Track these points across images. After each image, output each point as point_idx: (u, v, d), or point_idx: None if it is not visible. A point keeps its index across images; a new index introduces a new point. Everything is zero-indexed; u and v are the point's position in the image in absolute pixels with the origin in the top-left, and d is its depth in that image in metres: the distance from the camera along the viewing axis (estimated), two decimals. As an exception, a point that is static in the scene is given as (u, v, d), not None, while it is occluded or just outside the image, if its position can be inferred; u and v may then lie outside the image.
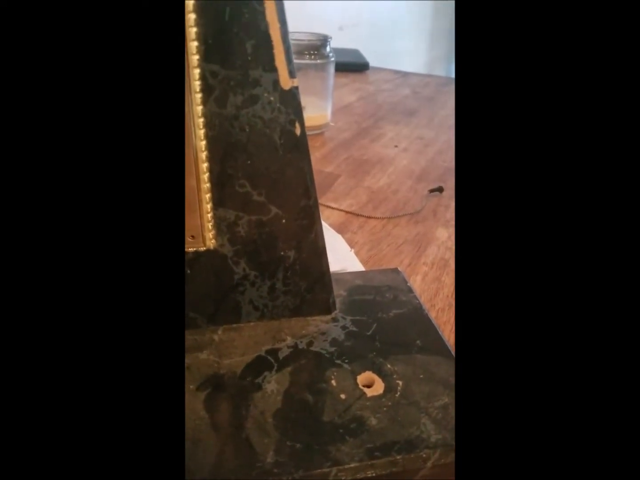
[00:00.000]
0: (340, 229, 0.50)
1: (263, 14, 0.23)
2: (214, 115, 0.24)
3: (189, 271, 0.28)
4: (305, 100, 0.79)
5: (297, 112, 0.26)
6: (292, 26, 0.25)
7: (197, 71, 0.23)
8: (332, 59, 0.74)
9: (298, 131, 0.26)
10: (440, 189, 0.59)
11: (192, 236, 0.27)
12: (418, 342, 0.31)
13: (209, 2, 0.22)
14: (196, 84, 0.23)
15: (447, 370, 0.29)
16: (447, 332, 0.37)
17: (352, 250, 0.45)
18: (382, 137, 0.79)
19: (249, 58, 0.24)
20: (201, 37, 0.23)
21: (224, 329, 0.30)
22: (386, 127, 0.84)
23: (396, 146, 0.75)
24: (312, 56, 0.72)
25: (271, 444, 0.24)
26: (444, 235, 0.51)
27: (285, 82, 0.25)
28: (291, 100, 0.25)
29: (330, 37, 0.74)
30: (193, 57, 0.23)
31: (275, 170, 0.27)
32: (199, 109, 0.24)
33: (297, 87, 0.25)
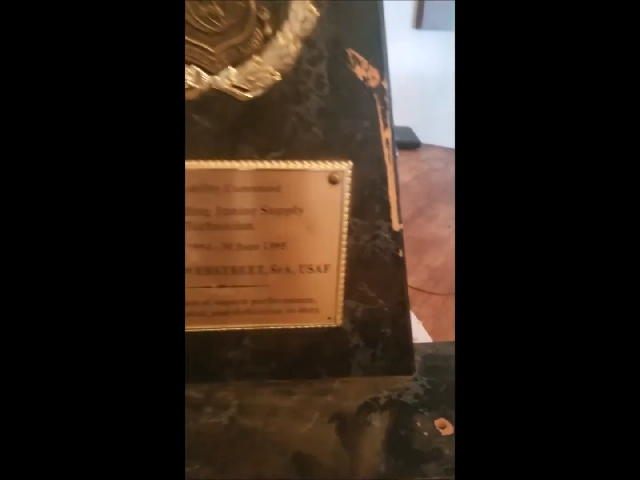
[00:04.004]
0: (408, 303, 0.64)
1: (386, 191, 0.38)
2: (352, 246, 0.39)
3: (324, 340, 0.43)
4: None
5: (400, 243, 0.40)
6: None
7: (346, 222, 0.38)
8: (397, 154, 0.90)
9: (400, 254, 0.41)
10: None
11: (329, 317, 0.42)
12: (475, 399, 0.43)
13: (357, 185, 0.37)
14: (344, 229, 0.38)
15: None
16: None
17: (420, 322, 0.59)
18: (436, 217, 0.93)
19: (376, 214, 0.39)
20: (350, 204, 0.38)
21: (339, 381, 0.44)
22: (439, 207, 0.98)
23: (449, 226, 0.89)
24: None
25: (382, 461, 0.37)
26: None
27: (396, 226, 0.40)
28: (398, 237, 0.40)
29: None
30: (345, 214, 0.38)
31: (384, 278, 0.41)
32: (344, 243, 0.39)
33: (402, 229, 0.40)
